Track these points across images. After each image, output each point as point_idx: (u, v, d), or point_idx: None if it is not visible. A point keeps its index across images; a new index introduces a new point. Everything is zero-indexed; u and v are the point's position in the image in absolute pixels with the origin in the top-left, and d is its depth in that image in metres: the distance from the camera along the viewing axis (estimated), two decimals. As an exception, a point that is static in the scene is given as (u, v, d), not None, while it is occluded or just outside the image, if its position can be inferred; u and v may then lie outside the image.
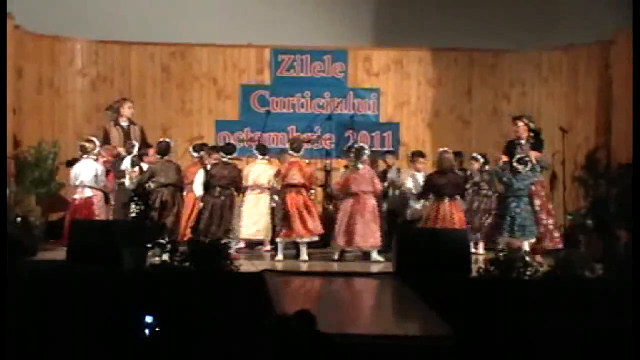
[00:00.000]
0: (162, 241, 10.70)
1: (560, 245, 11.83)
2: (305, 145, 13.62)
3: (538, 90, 14.85)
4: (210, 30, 14.59)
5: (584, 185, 13.24)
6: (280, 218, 11.68)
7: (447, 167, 11.75)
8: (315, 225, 11.66)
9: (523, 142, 12.07)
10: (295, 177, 11.68)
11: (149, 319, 8.70)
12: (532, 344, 7.72)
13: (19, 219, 11.31)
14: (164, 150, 11.79)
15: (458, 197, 11.68)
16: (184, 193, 12.05)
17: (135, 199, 11.42)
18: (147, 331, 8.70)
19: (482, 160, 12.63)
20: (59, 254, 10.82)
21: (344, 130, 14.59)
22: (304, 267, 11.23)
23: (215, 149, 12.44)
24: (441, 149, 12.14)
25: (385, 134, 14.88)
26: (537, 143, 12.08)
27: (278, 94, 14.86)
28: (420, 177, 12.22)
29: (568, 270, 9.77)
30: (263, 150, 12.48)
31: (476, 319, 8.25)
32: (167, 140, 12.07)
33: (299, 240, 11.63)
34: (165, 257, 10.15)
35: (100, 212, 11.86)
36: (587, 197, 13.04)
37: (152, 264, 10.10)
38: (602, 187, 13.11)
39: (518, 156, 11.63)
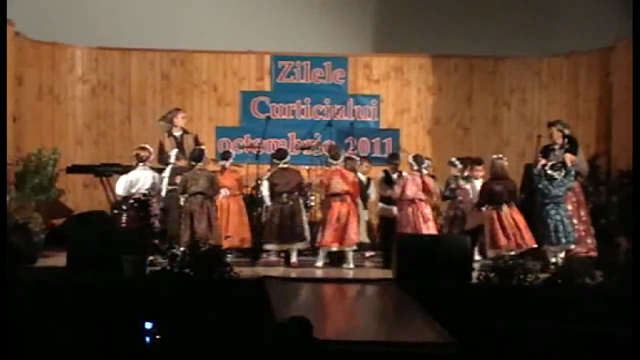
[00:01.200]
0: (161, 248, 10.69)
1: (594, 253, 11.56)
2: (306, 152, 13.71)
3: (538, 97, 14.85)
4: (210, 37, 14.61)
5: (584, 193, 13.21)
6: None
7: (502, 174, 11.59)
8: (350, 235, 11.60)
9: (557, 147, 12.01)
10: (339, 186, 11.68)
11: (149, 326, 8.69)
12: (532, 351, 7.71)
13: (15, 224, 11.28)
14: (197, 157, 11.76)
15: (513, 204, 11.51)
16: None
17: (135, 206, 11.43)
18: (147, 338, 8.70)
19: (459, 165, 12.37)
20: (59, 260, 10.81)
21: (344, 136, 14.59)
22: (303, 273, 11.21)
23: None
24: (495, 156, 11.96)
25: (385, 141, 14.88)
26: (572, 147, 12.02)
27: (278, 101, 14.86)
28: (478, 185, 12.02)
29: (568, 277, 9.76)
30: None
31: (476, 325, 8.24)
32: (202, 147, 12.06)
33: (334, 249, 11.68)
34: (165, 263, 10.12)
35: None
36: (587, 204, 13.00)
37: (152, 270, 10.09)
38: (602, 194, 13.09)
39: (551, 162, 11.53)
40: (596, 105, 14.13)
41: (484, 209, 11.51)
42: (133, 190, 11.64)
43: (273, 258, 11.92)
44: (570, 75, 14.55)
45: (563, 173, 11.42)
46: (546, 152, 11.97)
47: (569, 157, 11.70)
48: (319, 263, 11.61)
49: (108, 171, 13.04)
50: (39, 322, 8.82)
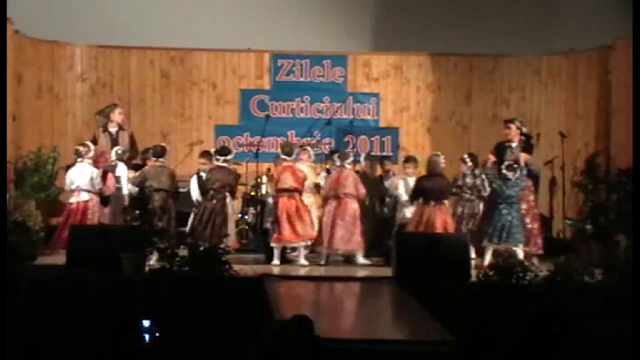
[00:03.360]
0: (161, 246, 10.69)
1: (541, 252, 11.74)
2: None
3: (537, 96, 14.85)
4: (209, 36, 14.61)
5: (584, 191, 13.21)
6: (272, 222, 11.70)
7: (435, 171, 11.71)
8: (306, 230, 11.63)
9: (514, 145, 12.03)
10: (288, 182, 11.69)
11: (147, 324, 8.70)
12: (531, 350, 7.71)
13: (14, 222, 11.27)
14: (158, 153, 11.83)
15: (445, 201, 11.65)
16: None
17: (133, 204, 11.44)
18: (146, 336, 8.70)
19: (470, 162, 12.43)
20: (59, 258, 10.82)
21: (344, 135, 14.60)
22: (302, 272, 11.22)
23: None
24: (432, 153, 12.18)
25: (384, 139, 14.89)
26: (527, 147, 12.05)
27: (277, 99, 14.87)
28: (411, 182, 12.19)
29: (567, 275, 9.76)
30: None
31: (475, 324, 8.24)
32: (163, 144, 12.12)
33: (288, 245, 11.65)
34: (162, 261, 10.12)
35: (95, 217, 11.86)
36: (587, 203, 13.01)
37: (151, 269, 10.09)
38: (601, 193, 13.09)
39: (507, 163, 11.54)
40: (595, 104, 14.12)
41: (415, 204, 11.77)
42: (73, 187, 11.83)
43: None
44: (570, 73, 14.55)
45: (517, 174, 11.45)
46: (501, 149, 11.99)
47: (523, 156, 11.73)
48: (276, 261, 11.58)
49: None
50: (38, 320, 8.83)
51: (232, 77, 14.90)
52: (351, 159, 12.03)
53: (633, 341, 7.62)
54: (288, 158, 11.85)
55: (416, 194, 11.77)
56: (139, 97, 14.70)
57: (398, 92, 15.06)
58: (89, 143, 12.28)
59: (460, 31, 14.77)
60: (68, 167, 13.35)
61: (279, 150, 12.27)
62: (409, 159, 12.74)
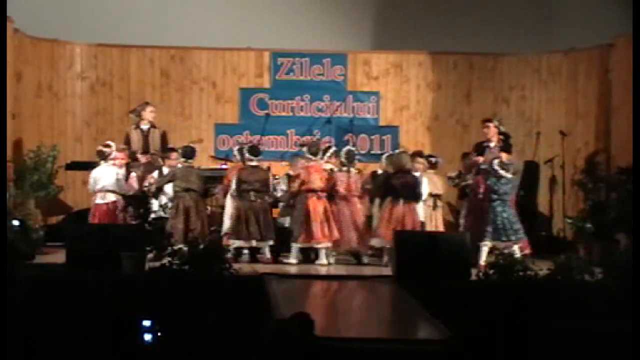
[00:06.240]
0: (163, 245, 10.68)
1: (528, 251, 11.65)
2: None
3: (538, 94, 14.84)
4: (209, 34, 14.61)
5: (584, 189, 13.22)
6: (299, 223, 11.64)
7: (404, 168, 11.65)
8: (333, 231, 11.58)
9: (492, 144, 12.02)
10: (317, 182, 11.65)
11: (147, 323, 8.70)
12: (532, 348, 7.71)
13: (15, 222, 11.25)
14: (188, 154, 11.87)
15: (414, 200, 11.57)
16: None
17: (134, 202, 11.44)
18: (146, 335, 8.70)
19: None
20: (58, 257, 10.81)
21: (344, 133, 14.60)
22: (302, 271, 11.21)
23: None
24: (400, 149, 12.18)
25: (384, 138, 14.88)
26: (506, 146, 12.05)
27: (277, 98, 14.86)
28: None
29: (568, 274, 9.76)
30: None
31: (476, 323, 8.23)
32: (192, 145, 12.13)
33: (316, 245, 11.61)
34: (165, 260, 10.12)
35: (121, 217, 11.83)
36: (587, 201, 13.01)
37: (151, 267, 10.09)
38: (601, 191, 13.10)
39: (498, 161, 11.52)
40: (595, 102, 14.10)
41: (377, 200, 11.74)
42: (98, 187, 11.78)
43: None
44: (570, 72, 14.53)
45: (511, 171, 11.43)
46: (481, 149, 11.99)
47: (504, 156, 11.70)
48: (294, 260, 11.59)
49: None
50: (38, 319, 8.83)
51: (232, 76, 14.89)
52: (356, 160, 12.00)
53: (633, 341, 7.62)
54: (314, 158, 11.83)
55: (385, 191, 11.67)
56: (139, 96, 14.66)
57: (398, 91, 15.05)
58: (111, 143, 12.24)
59: (460, 30, 14.76)
60: (69, 166, 13.40)
61: (304, 149, 12.19)
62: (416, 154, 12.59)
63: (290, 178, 12.11)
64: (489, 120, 12.24)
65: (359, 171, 12.16)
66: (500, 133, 12.07)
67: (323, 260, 11.54)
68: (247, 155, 11.87)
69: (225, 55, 14.89)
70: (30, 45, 13.98)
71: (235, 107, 14.88)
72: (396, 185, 11.54)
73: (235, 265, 10.06)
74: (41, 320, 8.88)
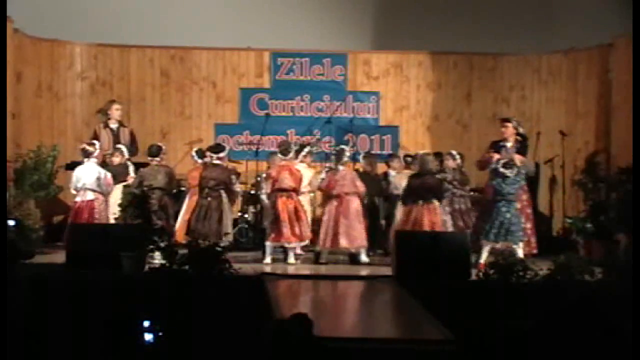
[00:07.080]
0: (161, 245, 10.67)
1: (535, 251, 11.69)
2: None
3: (538, 94, 14.85)
4: (209, 34, 14.62)
5: (584, 189, 13.21)
6: (270, 222, 11.67)
7: (425, 170, 11.63)
8: (304, 231, 11.63)
9: (509, 145, 12.01)
10: (286, 182, 11.67)
11: (147, 323, 8.69)
12: (532, 348, 7.70)
13: (11, 222, 11.24)
14: (154, 153, 11.87)
15: (435, 200, 11.55)
16: (187, 196, 12.32)
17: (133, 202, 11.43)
18: (146, 335, 8.69)
19: (458, 159, 12.49)
20: (59, 257, 10.81)
21: (344, 133, 14.60)
22: (292, 270, 11.21)
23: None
24: (422, 151, 12.17)
25: (384, 138, 14.89)
26: (522, 148, 12.04)
27: (277, 98, 14.88)
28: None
29: (568, 274, 9.75)
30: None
31: (476, 322, 8.23)
32: (159, 143, 12.15)
33: (287, 245, 11.62)
34: (162, 260, 10.11)
35: (101, 216, 11.84)
36: (587, 201, 13.01)
37: (151, 267, 10.08)
38: (601, 191, 13.09)
39: (503, 161, 11.51)
40: (595, 102, 14.12)
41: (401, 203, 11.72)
42: (79, 185, 11.79)
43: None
44: (570, 72, 14.54)
45: (515, 171, 11.40)
46: (498, 147, 11.97)
47: (518, 158, 11.69)
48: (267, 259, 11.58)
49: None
50: (38, 319, 8.82)
51: (232, 76, 14.90)
52: (346, 158, 11.93)
53: (633, 341, 7.62)
54: (285, 157, 11.83)
55: (406, 193, 11.68)
56: (139, 96, 14.70)
57: (398, 91, 15.06)
58: (96, 142, 12.27)
59: (460, 29, 14.77)
60: (69, 166, 13.38)
61: (277, 149, 12.22)
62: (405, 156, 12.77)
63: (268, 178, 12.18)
64: (508, 120, 12.24)
65: (357, 171, 12.21)
66: (518, 134, 12.05)
67: (291, 259, 11.55)
68: (208, 152, 12.06)
69: (225, 55, 14.90)
70: (30, 45, 13.99)
71: (235, 107, 14.89)
72: (415, 187, 11.54)
73: (236, 265, 10.04)
74: (41, 320, 8.87)
